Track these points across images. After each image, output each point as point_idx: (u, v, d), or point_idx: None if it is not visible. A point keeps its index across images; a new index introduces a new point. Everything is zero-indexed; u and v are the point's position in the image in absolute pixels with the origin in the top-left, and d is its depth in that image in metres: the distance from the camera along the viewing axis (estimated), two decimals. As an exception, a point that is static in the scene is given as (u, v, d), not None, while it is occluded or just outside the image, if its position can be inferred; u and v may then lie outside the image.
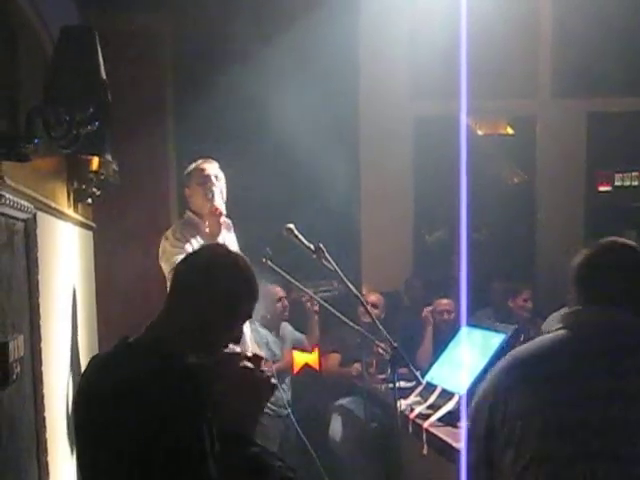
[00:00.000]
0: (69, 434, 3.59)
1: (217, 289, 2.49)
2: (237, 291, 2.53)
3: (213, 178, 4.82)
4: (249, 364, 2.90)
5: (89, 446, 2.43)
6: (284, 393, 6.06)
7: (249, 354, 2.99)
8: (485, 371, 4.60)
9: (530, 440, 2.21)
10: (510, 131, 8.54)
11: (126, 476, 2.29)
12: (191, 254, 2.69)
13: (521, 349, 2.53)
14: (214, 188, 4.78)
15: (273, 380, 3.04)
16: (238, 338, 2.65)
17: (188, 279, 2.53)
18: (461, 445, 4.10)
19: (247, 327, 4.93)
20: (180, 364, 2.38)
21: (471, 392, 4.46)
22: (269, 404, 5.97)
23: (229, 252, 2.69)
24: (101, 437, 2.36)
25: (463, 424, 4.35)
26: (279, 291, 6.25)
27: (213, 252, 2.70)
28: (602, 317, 2.40)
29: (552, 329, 2.48)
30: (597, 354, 2.30)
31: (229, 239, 4.88)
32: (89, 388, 2.47)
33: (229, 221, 4.88)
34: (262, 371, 2.98)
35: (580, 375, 2.26)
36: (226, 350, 2.76)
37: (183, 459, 2.26)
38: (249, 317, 2.64)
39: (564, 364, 2.31)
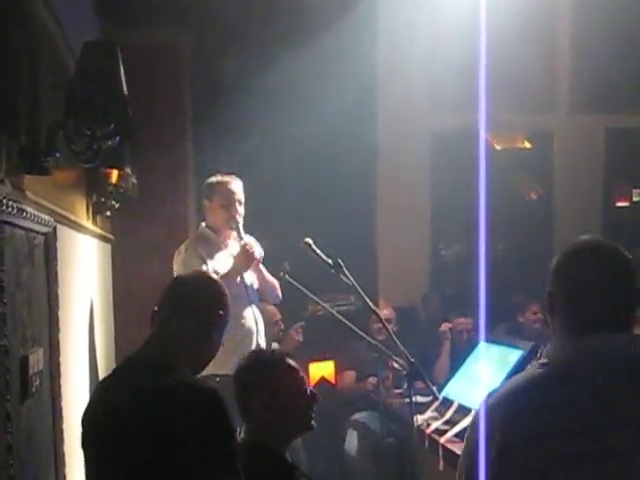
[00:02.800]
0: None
1: (199, 309, 2.72)
2: (216, 311, 2.75)
3: (237, 204, 4.79)
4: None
5: (101, 462, 2.45)
6: None
7: (311, 389, 3.16)
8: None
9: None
10: (528, 146, 8.53)
11: None
12: (177, 279, 2.91)
13: (506, 390, 2.18)
14: (239, 217, 4.76)
15: (313, 423, 3.17)
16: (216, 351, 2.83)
17: (175, 302, 2.73)
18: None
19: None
20: (196, 382, 2.47)
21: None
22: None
23: (205, 277, 2.96)
24: (111, 453, 2.38)
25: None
26: (276, 313, 6.19)
27: (194, 279, 2.90)
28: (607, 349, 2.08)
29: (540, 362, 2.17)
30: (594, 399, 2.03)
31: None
32: (98, 407, 2.51)
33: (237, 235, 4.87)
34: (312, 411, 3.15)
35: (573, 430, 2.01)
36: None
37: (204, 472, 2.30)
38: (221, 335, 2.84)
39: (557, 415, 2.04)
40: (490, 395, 2.18)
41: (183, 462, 2.29)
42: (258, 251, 4.85)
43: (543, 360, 2.17)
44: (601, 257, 2.18)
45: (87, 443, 2.57)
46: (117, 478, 2.40)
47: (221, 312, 2.73)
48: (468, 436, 2.23)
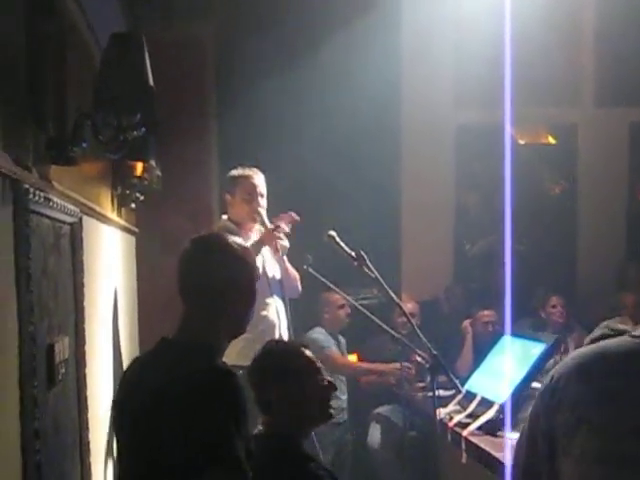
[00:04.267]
0: (111, 436, 3.62)
1: (226, 280, 2.59)
2: (242, 276, 2.64)
3: (259, 198, 4.80)
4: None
5: (135, 444, 2.45)
6: (340, 400, 6.08)
7: (329, 378, 3.16)
8: (525, 381, 4.59)
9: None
10: (552, 140, 8.49)
11: (168, 473, 2.32)
12: (189, 253, 2.68)
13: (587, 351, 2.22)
14: (261, 210, 4.78)
15: (331, 412, 3.20)
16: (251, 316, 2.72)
17: (198, 277, 2.61)
18: (501, 454, 4.08)
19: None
20: (221, 367, 2.47)
21: (512, 401, 4.44)
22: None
23: (221, 240, 2.76)
24: (147, 435, 2.38)
25: (503, 433, 4.33)
26: (340, 298, 6.20)
27: (208, 248, 2.72)
28: None
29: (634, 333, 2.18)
30: None
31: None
32: (134, 388, 2.50)
33: (261, 228, 4.88)
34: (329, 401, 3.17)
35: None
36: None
37: (218, 451, 2.30)
38: (254, 294, 2.70)
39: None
40: (567, 361, 2.21)
41: (189, 447, 2.29)
42: (284, 243, 4.87)
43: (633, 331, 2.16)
44: None
45: (117, 426, 2.58)
46: (144, 462, 2.41)
47: (242, 281, 2.64)
48: (536, 403, 2.24)
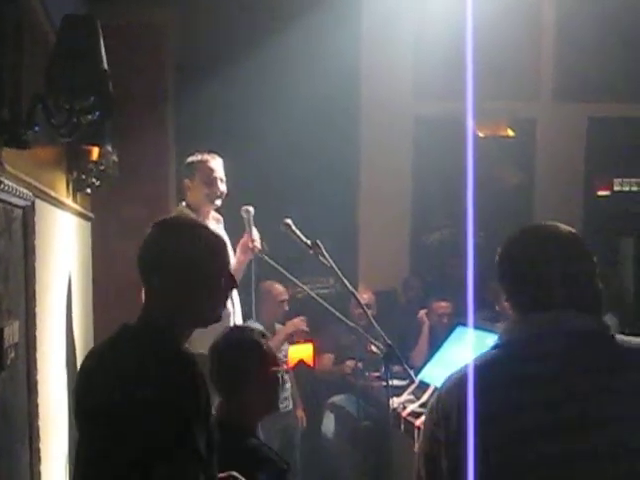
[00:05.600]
0: (62, 421, 3.60)
1: (187, 263, 2.46)
2: (205, 259, 2.49)
3: (219, 182, 4.81)
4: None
5: (94, 433, 2.42)
6: (285, 390, 6.09)
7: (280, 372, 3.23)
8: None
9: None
10: (510, 133, 8.54)
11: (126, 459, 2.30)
12: (153, 236, 2.54)
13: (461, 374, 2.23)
14: (220, 194, 4.80)
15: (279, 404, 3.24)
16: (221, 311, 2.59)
17: (160, 260, 2.48)
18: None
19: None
20: (186, 355, 2.41)
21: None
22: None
23: (185, 223, 2.69)
24: (104, 423, 2.36)
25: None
26: (283, 292, 6.16)
27: (173, 230, 2.60)
28: (555, 328, 2.13)
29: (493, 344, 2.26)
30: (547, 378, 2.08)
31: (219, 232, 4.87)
32: (92, 377, 2.47)
33: (219, 216, 4.91)
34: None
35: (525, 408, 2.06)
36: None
37: (176, 442, 2.28)
38: (230, 284, 2.58)
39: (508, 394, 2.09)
40: (447, 379, 2.27)
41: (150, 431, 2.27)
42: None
43: (496, 342, 2.24)
44: (540, 237, 2.25)
45: (76, 415, 2.54)
46: (103, 453, 2.38)
47: (212, 263, 2.50)
48: (424, 421, 2.31)
